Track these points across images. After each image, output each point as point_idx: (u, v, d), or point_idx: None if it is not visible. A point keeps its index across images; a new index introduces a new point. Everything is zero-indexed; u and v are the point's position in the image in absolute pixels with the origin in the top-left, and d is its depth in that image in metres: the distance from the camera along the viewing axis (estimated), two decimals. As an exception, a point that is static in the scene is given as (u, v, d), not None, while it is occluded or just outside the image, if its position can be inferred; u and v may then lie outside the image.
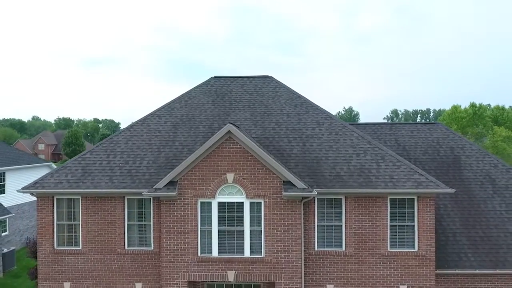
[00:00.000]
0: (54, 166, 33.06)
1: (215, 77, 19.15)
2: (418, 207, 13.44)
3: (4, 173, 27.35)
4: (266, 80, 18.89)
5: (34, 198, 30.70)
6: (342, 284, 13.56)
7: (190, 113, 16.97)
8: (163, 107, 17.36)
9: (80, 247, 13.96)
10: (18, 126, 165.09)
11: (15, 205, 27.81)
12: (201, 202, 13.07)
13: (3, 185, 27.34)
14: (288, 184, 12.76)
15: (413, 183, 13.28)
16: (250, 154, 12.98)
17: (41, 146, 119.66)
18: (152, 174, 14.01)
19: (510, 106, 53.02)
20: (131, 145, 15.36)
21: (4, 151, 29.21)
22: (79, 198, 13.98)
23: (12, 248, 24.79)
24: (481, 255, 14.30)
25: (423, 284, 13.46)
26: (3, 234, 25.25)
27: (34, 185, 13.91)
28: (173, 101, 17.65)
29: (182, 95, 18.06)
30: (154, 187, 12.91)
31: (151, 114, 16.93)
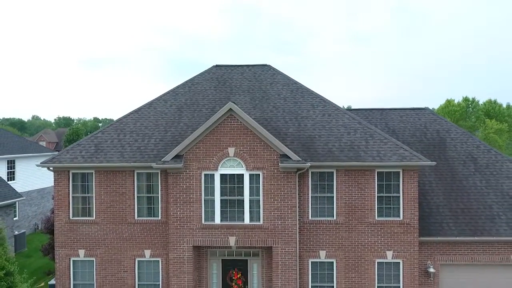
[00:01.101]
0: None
1: (217, 65, 20.39)
2: (403, 179, 14.71)
3: (14, 160, 28.59)
4: (265, 68, 20.15)
5: (42, 186, 32.11)
6: (334, 250, 14.83)
7: (194, 97, 18.22)
8: (168, 92, 18.60)
9: (94, 217, 15.21)
10: (18, 126, 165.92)
11: (24, 192, 29.02)
12: (205, 174, 14.33)
13: (13, 172, 28.58)
14: (284, 157, 14.03)
15: (398, 157, 14.56)
16: (249, 130, 14.25)
17: (42, 144, 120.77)
18: (160, 150, 15.25)
19: (508, 104, 54.20)
20: (139, 125, 16.61)
21: (14, 140, 30.47)
22: (92, 173, 15.23)
23: (22, 230, 26.04)
24: (461, 224, 15.58)
25: (408, 249, 14.74)
26: (13, 219, 26.45)
27: (51, 160, 15.17)
28: (177, 87, 18.89)
29: (186, 81, 19.30)
30: (162, 160, 14.17)
31: (157, 99, 18.17)
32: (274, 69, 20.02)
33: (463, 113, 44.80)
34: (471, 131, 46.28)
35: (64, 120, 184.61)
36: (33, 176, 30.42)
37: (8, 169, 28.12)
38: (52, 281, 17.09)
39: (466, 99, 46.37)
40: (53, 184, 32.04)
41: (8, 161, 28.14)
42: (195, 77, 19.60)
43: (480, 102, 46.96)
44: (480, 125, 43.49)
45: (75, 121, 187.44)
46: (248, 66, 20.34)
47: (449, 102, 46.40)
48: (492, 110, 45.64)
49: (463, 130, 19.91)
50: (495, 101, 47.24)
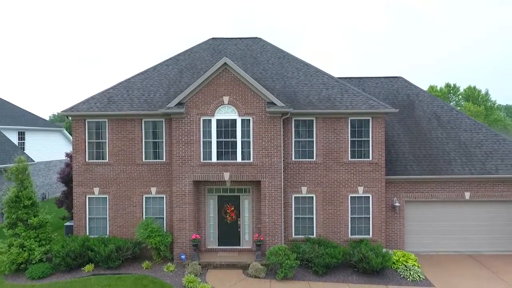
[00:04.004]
0: (66, 132, 36.56)
1: (213, 38, 22.84)
2: (372, 125, 17.26)
3: (24, 132, 30.84)
4: (256, 40, 22.64)
5: (49, 159, 34.41)
6: (313, 186, 17.34)
7: (193, 63, 20.67)
8: (170, 59, 21.02)
9: (107, 160, 17.60)
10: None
11: (33, 164, 31.24)
12: (203, 119, 16.78)
13: (23, 143, 30.82)
14: (271, 104, 16.53)
15: (367, 106, 17.12)
16: (241, 82, 16.72)
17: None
18: (164, 102, 17.68)
19: (487, 90, 56.81)
20: (146, 84, 19.03)
21: (23, 114, 32.71)
22: (106, 121, 17.62)
23: (34, 194, 28.25)
24: (423, 166, 18.18)
25: (376, 185, 17.29)
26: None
27: (70, 109, 17.54)
28: (178, 55, 21.32)
29: (185, 51, 21.72)
30: (166, 106, 16.62)
31: (160, 64, 20.59)
32: (264, 41, 22.50)
33: (445, 99, 47.57)
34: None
35: (59, 117, 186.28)
36: (41, 149, 32.66)
37: (18, 140, 30.35)
38: (68, 223, 19.48)
39: (448, 85, 49.31)
40: (58, 158, 34.28)
41: (18, 132, 30.37)
42: (193, 47, 22.02)
43: (461, 88, 50.07)
44: (460, 109, 46.31)
45: (70, 118, 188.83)
46: (241, 38, 22.80)
47: (432, 88, 49.33)
48: (471, 95, 48.71)
49: (430, 94, 22.57)
50: (474, 87, 50.32)
